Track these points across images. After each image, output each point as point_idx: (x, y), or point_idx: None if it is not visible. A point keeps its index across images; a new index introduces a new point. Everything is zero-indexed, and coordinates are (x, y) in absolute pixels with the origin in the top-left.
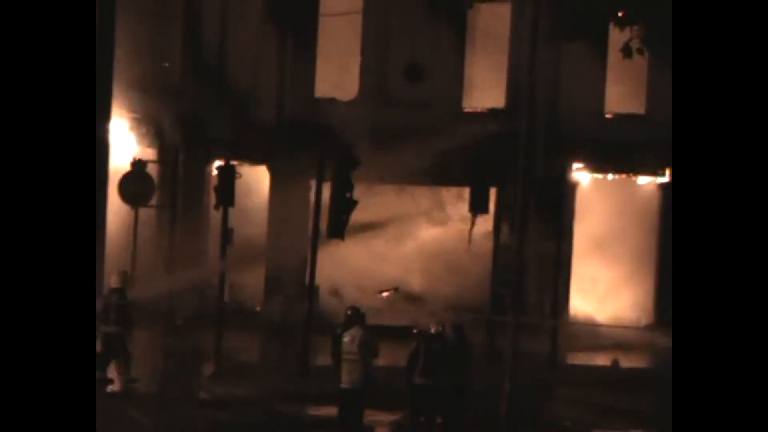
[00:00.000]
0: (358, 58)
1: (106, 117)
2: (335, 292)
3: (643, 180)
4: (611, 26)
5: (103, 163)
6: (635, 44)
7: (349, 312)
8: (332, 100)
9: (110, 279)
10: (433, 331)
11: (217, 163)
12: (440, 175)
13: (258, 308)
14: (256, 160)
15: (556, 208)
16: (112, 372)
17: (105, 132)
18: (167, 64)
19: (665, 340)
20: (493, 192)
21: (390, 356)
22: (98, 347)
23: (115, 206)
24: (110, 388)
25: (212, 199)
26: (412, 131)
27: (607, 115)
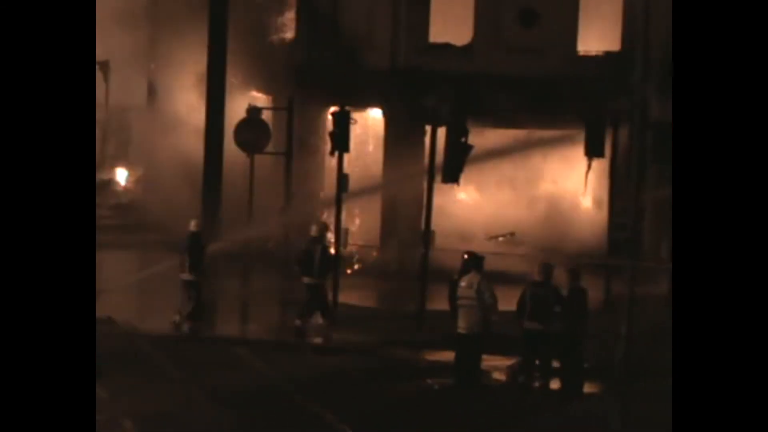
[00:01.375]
0: (473, 3)
1: (222, 64)
2: (451, 237)
3: None
4: None
5: (219, 110)
6: None
7: (466, 257)
8: (446, 46)
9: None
10: (538, 277)
11: (332, 108)
12: (556, 119)
13: (374, 254)
14: (371, 106)
15: (672, 153)
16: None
17: (220, 79)
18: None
19: None
20: (608, 135)
21: (506, 301)
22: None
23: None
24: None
25: (328, 145)
26: (527, 76)
27: None
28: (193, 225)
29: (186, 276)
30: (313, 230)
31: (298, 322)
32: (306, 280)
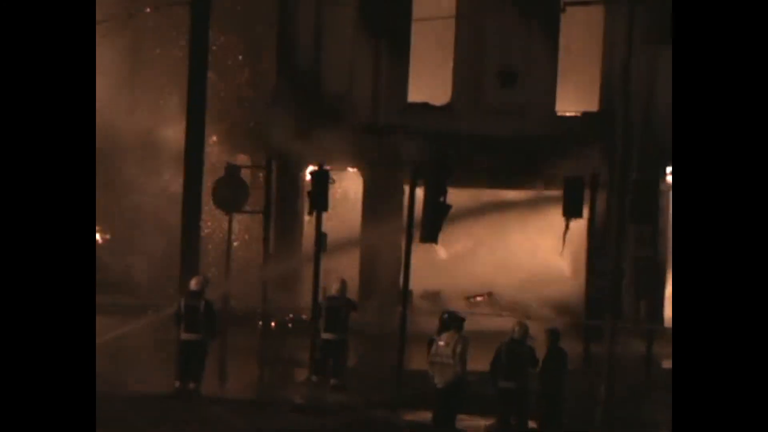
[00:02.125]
0: (451, 63)
1: (201, 123)
2: (429, 297)
3: None
4: None
5: (198, 168)
6: None
7: (445, 316)
8: (425, 105)
9: (190, 282)
10: (513, 335)
11: (311, 168)
12: (534, 179)
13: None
14: (350, 165)
15: (651, 213)
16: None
17: (200, 138)
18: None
19: None
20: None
21: (482, 361)
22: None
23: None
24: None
25: (306, 204)
26: (506, 136)
27: None
28: (193, 283)
29: (186, 336)
30: (193, 284)
31: (314, 378)
32: (187, 336)
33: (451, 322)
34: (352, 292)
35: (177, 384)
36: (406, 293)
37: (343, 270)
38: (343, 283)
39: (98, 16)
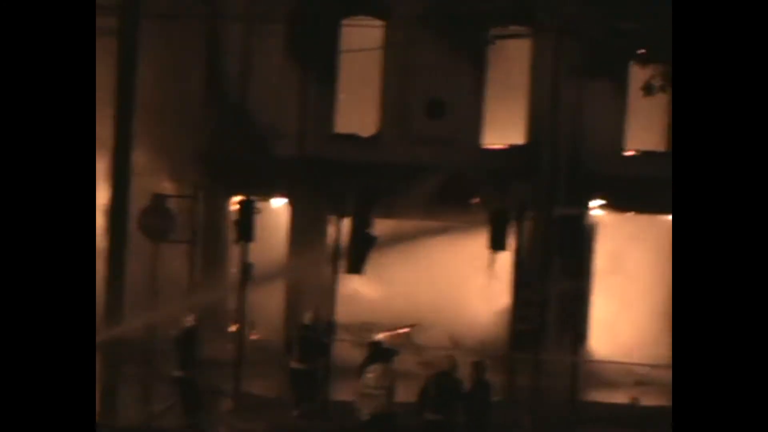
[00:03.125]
0: (379, 94)
1: (128, 150)
2: (352, 328)
3: (665, 218)
4: (631, 65)
5: (123, 196)
6: (658, 82)
7: (372, 348)
8: (352, 136)
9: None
10: (442, 368)
11: (237, 197)
12: (460, 212)
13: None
14: (277, 194)
15: (576, 246)
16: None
17: (126, 165)
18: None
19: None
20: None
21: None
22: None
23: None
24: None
25: (232, 234)
26: (432, 168)
27: (628, 153)
28: (189, 320)
29: (296, 365)
30: (306, 318)
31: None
32: (297, 366)
33: (380, 354)
34: (277, 323)
35: (295, 412)
36: (330, 324)
37: (269, 299)
38: (314, 315)
39: None
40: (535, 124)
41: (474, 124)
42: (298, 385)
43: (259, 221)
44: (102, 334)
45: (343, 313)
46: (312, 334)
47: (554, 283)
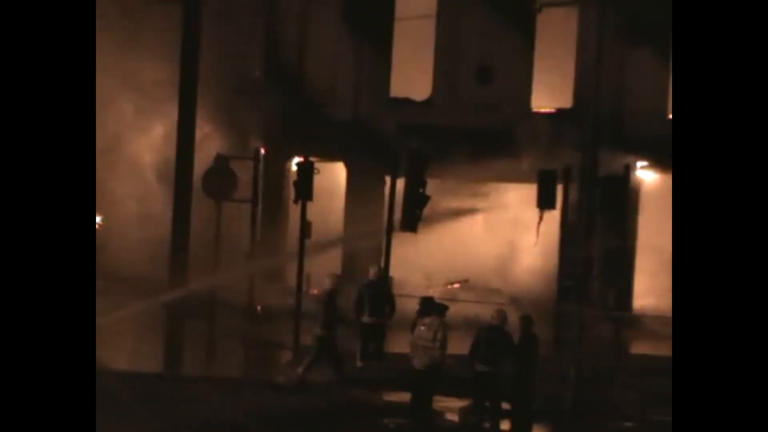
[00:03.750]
0: (432, 60)
1: (191, 114)
2: (407, 284)
3: None
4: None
5: (189, 158)
6: None
7: (424, 303)
8: (406, 100)
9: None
10: (493, 322)
11: (297, 159)
12: (510, 173)
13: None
14: (334, 157)
15: (620, 205)
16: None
17: (190, 128)
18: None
19: None
20: (560, 189)
21: (460, 345)
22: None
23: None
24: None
25: (292, 193)
26: (483, 130)
27: (670, 116)
28: (329, 283)
29: (319, 331)
30: (372, 274)
31: (359, 363)
32: (369, 320)
33: (433, 308)
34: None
35: (359, 363)
36: (386, 277)
37: (327, 257)
38: (335, 278)
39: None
40: (581, 89)
41: (523, 89)
42: (366, 338)
43: (317, 182)
44: (169, 291)
45: (398, 268)
46: (381, 290)
47: (599, 241)
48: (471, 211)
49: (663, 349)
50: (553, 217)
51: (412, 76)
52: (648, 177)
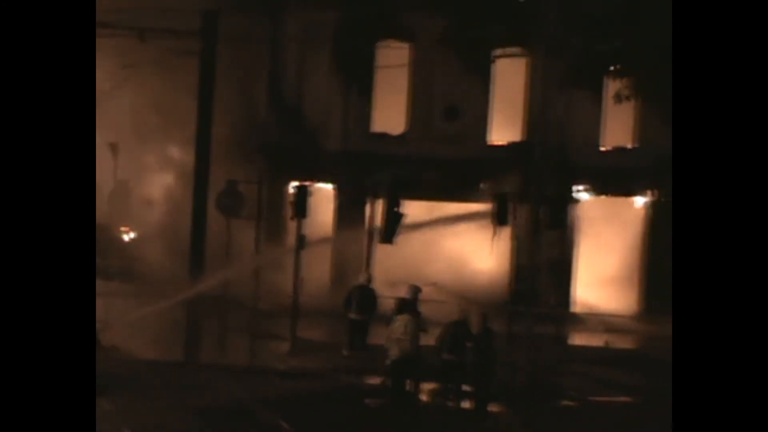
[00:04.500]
0: (406, 101)
1: (207, 145)
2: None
3: (632, 199)
4: (606, 78)
5: (204, 182)
6: (625, 92)
7: (399, 302)
8: (385, 135)
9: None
10: (457, 317)
11: (294, 183)
12: (470, 195)
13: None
14: (325, 181)
15: (562, 221)
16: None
17: (206, 157)
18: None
19: (648, 326)
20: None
21: (429, 338)
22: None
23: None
24: None
25: (289, 212)
26: (448, 160)
27: (603, 148)
28: (363, 279)
29: (354, 316)
30: (362, 279)
31: (345, 352)
32: (355, 316)
33: (405, 306)
34: (324, 284)
35: (345, 352)
36: (365, 288)
37: (318, 261)
38: (367, 274)
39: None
40: (530, 125)
41: (481, 125)
42: (353, 332)
43: (311, 202)
44: (187, 291)
45: (377, 273)
46: (367, 292)
47: (545, 252)
48: (439, 228)
49: (596, 341)
50: (506, 232)
51: (390, 114)
52: (583, 198)
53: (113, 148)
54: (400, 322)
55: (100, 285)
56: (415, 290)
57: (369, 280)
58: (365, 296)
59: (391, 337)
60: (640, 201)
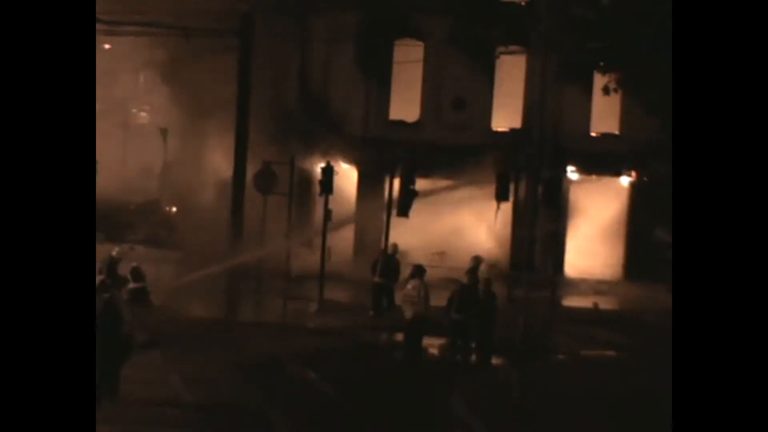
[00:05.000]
0: (420, 93)
1: (246, 131)
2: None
3: (617, 179)
4: (595, 73)
5: (243, 163)
6: (612, 85)
7: (413, 268)
8: (401, 122)
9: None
10: (465, 281)
11: (321, 164)
12: (476, 174)
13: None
14: (348, 162)
15: (555, 199)
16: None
17: (244, 141)
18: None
19: (630, 290)
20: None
21: (440, 299)
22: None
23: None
24: None
25: (317, 188)
26: (457, 144)
27: (592, 134)
28: (390, 249)
29: (377, 280)
30: (390, 248)
31: (372, 312)
32: (379, 281)
33: (417, 272)
34: (348, 252)
35: (371, 313)
36: (386, 251)
37: (342, 235)
38: (393, 247)
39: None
40: (528, 114)
41: (486, 114)
42: (377, 295)
43: (336, 180)
44: (228, 260)
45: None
46: (390, 260)
47: (541, 225)
48: (449, 202)
49: (586, 303)
50: (507, 207)
51: (406, 104)
52: (575, 178)
53: (163, 133)
54: (413, 285)
55: (151, 252)
56: (477, 260)
57: (395, 250)
58: (388, 263)
59: (404, 299)
60: (624, 181)
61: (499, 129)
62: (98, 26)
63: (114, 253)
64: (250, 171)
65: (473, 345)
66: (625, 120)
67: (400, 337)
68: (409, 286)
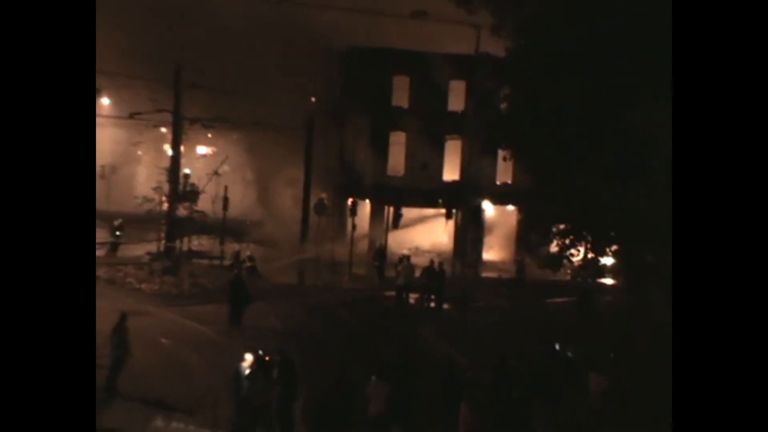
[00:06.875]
0: (404, 160)
1: (309, 180)
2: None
3: (508, 207)
4: (499, 150)
5: (307, 197)
6: (508, 157)
7: (401, 257)
8: (394, 175)
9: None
10: (429, 265)
11: (350, 200)
12: (434, 205)
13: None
14: (365, 199)
15: (478, 219)
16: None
17: (308, 185)
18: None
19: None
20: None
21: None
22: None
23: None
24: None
25: (348, 213)
26: (424, 188)
27: (498, 182)
28: (406, 251)
29: (376, 263)
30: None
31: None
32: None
33: (405, 258)
34: (365, 249)
35: (377, 281)
36: (384, 250)
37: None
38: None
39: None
40: (463, 172)
41: (439, 172)
42: (378, 271)
43: (358, 209)
44: (297, 255)
45: (390, 244)
46: (406, 260)
47: (470, 233)
48: (419, 221)
49: (493, 275)
50: (452, 223)
51: (396, 166)
52: (488, 208)
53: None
54: (401, 265)
55: (258, 248)
56: (438, 255)
57: (383, 247)
58: (382, 255)
59: (398, 273)
60: (511, 208)
61: (448, 180)
62: (206, 132)
63: (238, 248)
64: (312, 202)
65: (433, 298)
66: (515, 175)
67: (393, 294)
68: (399, 266)
